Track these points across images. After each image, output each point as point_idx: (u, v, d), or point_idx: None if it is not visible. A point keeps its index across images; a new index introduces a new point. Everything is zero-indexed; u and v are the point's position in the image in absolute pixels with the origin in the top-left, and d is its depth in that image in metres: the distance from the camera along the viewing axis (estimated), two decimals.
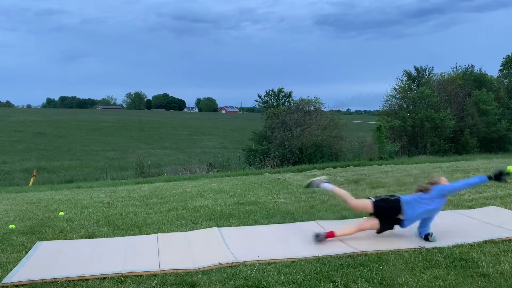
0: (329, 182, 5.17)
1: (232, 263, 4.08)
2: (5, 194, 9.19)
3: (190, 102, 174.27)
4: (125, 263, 4.14)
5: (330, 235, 4.67)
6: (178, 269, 3.96)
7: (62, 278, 3.76)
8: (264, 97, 28.53)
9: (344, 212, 6.20)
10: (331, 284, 3.59)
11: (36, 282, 3.70)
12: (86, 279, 3.75)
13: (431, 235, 4.64)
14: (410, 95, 32.53)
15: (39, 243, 4.88)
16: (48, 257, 4.36)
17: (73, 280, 3.74)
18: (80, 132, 48.20)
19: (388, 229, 4.80)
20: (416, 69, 34.66)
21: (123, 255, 4.40)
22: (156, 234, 5.15)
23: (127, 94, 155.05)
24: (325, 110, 25.84)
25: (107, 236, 5.22)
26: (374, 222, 4.76)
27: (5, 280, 3.74)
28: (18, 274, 3.89)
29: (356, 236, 4.84)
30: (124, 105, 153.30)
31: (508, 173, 4.59)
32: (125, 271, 3.89)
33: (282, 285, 3.59)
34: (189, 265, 4.06)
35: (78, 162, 29.35)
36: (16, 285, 3.68)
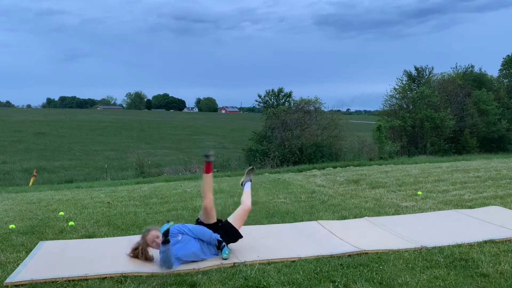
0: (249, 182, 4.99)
1: (234, 263, 4.09)
2: (5, 194, 9.19)
3: (190, 102, 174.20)
4: (128, 263, 4.14)
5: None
6: (180, 269, 3.96)
7: (64, 278, 3.76)
8: (264, 97, 28.56)
9: (344, 212, 6.21)
10: (331, 284, 3.59)
11: (37, 282, 3.70)
12: (87, 279, 3.75)
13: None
14: (410, 95, 32.54)
15: (41, 242, 4.88)
16: (51, 257, 4.36)
17: (73, 280, 3.74)
18: (80, 132, 48.13)
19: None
20: (416, 69, 34.72)
21: (126, 254, 4.39)
22: None
23: (127, 94, 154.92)
24: (325, 110, 25.89)
25: (107, 236, 5.22)
26: None
27: (9, 280, 3.74)
28: (21, 273, 3.89)
29: (357, 236, 4.85)
30: (124, 105, 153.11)
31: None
32: (127, 271, 3.89)
33: (282, 285, 3.59)
34: (192, 265, 4.06)
35: (78, 162, 29.32)
36: (16, 285, 3.68)
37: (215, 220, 4.50)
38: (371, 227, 5.36)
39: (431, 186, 8.22)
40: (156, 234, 4.20)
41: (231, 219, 4.55)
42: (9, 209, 6.98)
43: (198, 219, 4.56)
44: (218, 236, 4.33)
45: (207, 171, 4.54)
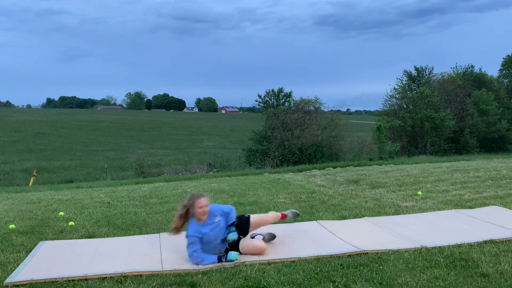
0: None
1: (234, 263, 4.09)
2: (5, 194, 9.18)
3: (190, 102, 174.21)
4: (128, 263, 4.14)
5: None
6: (180, 269, 3.96)
7: (64, 278, 3.76)
8: (264, 97, 28.51)
9: (344, 212, 6.21)
10: (331, 284, 3.59)
11: (37, 282, 3.70)
12: (87, 279, 3.76)
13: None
14: (410, 95, 32.49)
15: (41, 242, 4.88)
16: (51, 257, 4.36)
17: (73, 280, 3.74)
18: (80, 132, 48.13)
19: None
20: (416, 69, 34.64)
21: (126, 254, 4.40)
22: (158, 234, 5.15)
23: (127, 94, 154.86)
24: (325, 110, 25.90)
25: (107, 236, 5.22)
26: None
27: (9, 280, 3.74)
28: (21, 273, 3.89)
29: (357, 236, 4.85)
30: (124, 105, 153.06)
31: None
32: (127, 271, 3.89)
33: (282, 285, 3.59)
34: (192, 265, 4.06)
35: (78, 162, 29.32)
36: (17, 285, 3.68)
37: (248, 233, 4.60)
38: (371, 227, 5.36)
39: (431, 186, 8.22)
40: (206, 202, 4.27)
41: (253, 217, 4.65)
42: (9, 209, 6.98)
43: (241, 217, 4.59)
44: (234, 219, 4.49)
45: (282, 217, 4.93)
